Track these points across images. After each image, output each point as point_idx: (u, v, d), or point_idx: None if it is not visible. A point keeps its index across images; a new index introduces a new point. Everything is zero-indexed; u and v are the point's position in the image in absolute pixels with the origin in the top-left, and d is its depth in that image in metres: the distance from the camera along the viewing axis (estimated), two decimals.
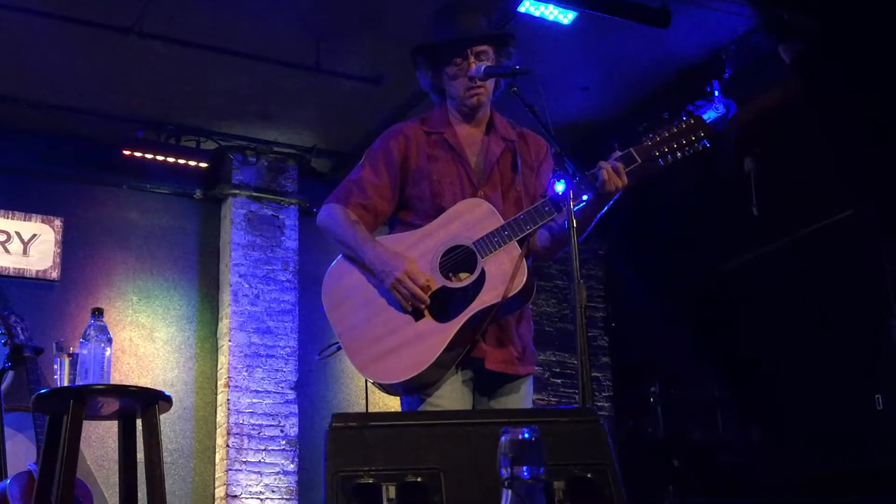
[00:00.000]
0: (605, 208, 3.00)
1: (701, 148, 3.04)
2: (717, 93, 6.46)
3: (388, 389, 3.02)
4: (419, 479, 2.07)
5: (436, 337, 2.88)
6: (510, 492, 1.40)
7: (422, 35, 3.29)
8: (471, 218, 2.99)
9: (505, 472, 1.41)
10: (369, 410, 6.48)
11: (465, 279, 2.92)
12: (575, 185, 2.85)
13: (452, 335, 2.86)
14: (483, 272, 2.90)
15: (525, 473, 1.39)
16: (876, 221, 6.22)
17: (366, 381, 3.05)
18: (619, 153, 2.96)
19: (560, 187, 2.94)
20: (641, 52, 6.42)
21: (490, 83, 3.13)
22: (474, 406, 3.03)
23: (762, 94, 6.57)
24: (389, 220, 3.24)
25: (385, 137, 3.22)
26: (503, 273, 2.89)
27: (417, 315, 2.93)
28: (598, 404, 8.13)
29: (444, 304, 2.91)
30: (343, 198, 3.17)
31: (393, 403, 7.08)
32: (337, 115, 7.18)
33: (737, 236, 7.22)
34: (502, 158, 3.17)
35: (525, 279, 2.89)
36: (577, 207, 2.89)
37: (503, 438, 1.42)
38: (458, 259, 2.96)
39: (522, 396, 3.10)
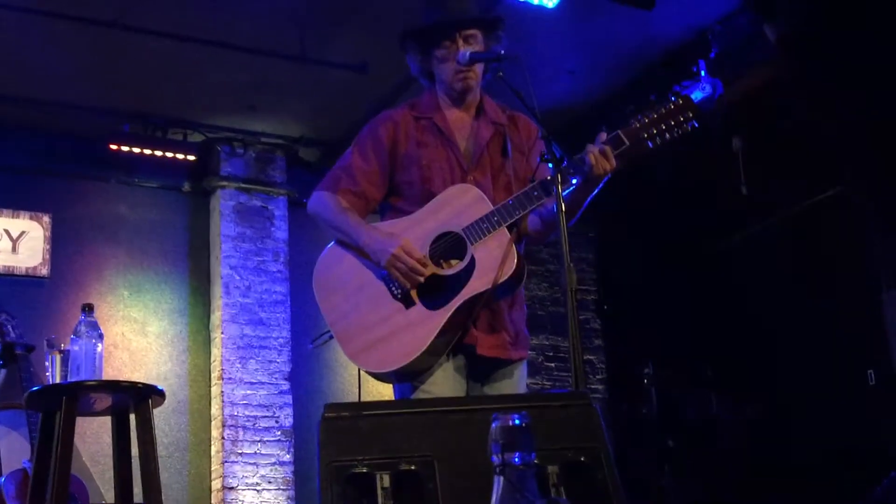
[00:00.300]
0: (595, 191, 2.99)
1: (690, 129, 3.03)
2: (703, 73, 6.47)
3: (381, 377, 3.03)
4: (413, 467, 2.07)
5: (427, 325, 2.88)
6: (502, 478, 1.40)
7: (410, 20, 3.27)
8: (460, 204, 2.98)
9: (496, 459, 1.41)
10: (362, 399, 6.49)
11: (455, 266, 2.92)
12: (563, 168, 2.84)
13: (443, 322, 2.87)
14: (473, 259, 2.89)
15: (516, 460, 1.39)
16: (864, 198, 6.23)
17: (359, 369, 3.05)
18: (606, 136, 2.95)
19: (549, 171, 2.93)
20: (627, 35, 6.41)
21: (479, 67, 3.11)
22: (468, 392, 3.03)
23: (749, 73, 6.57)
24: (380, 206, 3.23)
25: (374, 123, 3.21)
26: (493, 259, 2.88)
27: (408, 303, 2.93)
28: (592, 387, 8.15)
29: (434, 292, 2.91)
30: (333, 185, 3.16)
31: (386, 392, 7.09)
32: (324, 104, 7.16)
33: (727, 215, 7.23)
34: (492, 142, 3.16)
35: (515, 264, 2.88)
36: (566, 191, 2.89)
37: (493, 425, 1.42)
38: (448, 246, 2.95)
39: (516, 381, 3.11)
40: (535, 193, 2.92)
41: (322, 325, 3.18)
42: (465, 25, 3.09)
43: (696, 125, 3.03)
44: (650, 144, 2.98)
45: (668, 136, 2.99)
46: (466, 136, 3.17)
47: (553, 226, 3.01)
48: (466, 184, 3.04)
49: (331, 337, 3.08)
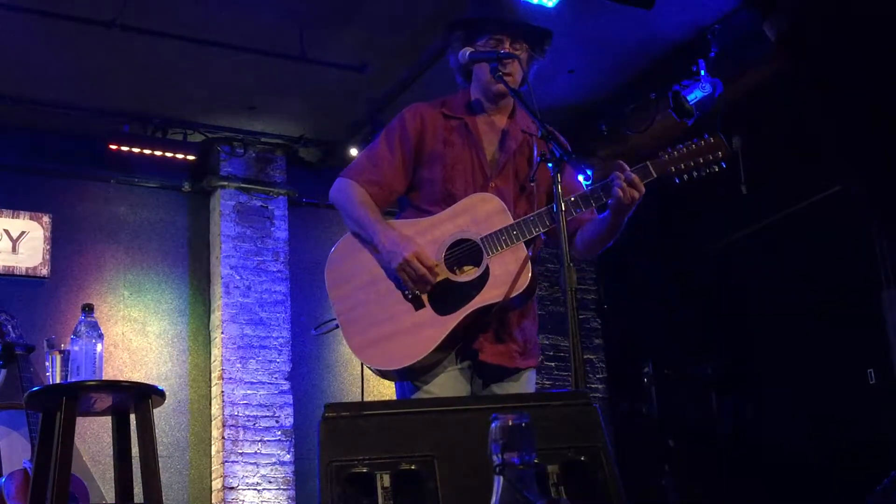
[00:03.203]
0: (628, 217, 2.98)
1: (717, 169, 3.02)
2: (703, 72, 6.47)
3: (383, 374, 3.02)
4: (413, 467, 2.07)
5: (434, 329, 2.87)
6: (502, 478, 1.39)
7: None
8: (481, 212, 2.96)
9: (496, 459, 1.41)
10: (365, 399, 6.49)
11: (470, 274, 2.90)
12: (561, 168, 2.84)
13: (451, 329, 2.86)
14: (488, 269, 2.89)
15: (516, 460, 1.39)
16: (864, 197, 6.22)
17: (361, 368, 3.05)
18: (636, 166, 2.94)
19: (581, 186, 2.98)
20: (626, 34, 6.41)
21: (518, 74, 3.07)
22: (472, 393, 3.01)
23: (748, 72, 6.57)
24: (399, 201, 3.20)
25: (403, 115, 3.18)
26: (508, 273, 2.87)
27: (418, 304, 2.91)
28: (592, 386, 8.15)
29: (445, 297, 2.89)
30: (357, 174, 3.13)
31: (386, 391, 7.09)
32: (323, 104, 7.16)
33: (727, 214, 7.23)
34: (519, 152, 3.13)
35: (529, 281, 2.87)
36: (600, 216, 2.98)
37: (493, 425, 1.41)
38: (464, 253, 2.94)
39: (521, 385, 3.08)
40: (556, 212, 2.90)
41: (322, 317, 3.18)
42: (516, 34, 3.08)
43: (725, 166, 3.02)
44: (676, 180, 2.98)
45: (695, 173, 3.00)
46: (494, 141, 3.13)
47: (603, 238, 3.06)
48: (489, 193, 3.01)
49: (336, 326, 3.06)
